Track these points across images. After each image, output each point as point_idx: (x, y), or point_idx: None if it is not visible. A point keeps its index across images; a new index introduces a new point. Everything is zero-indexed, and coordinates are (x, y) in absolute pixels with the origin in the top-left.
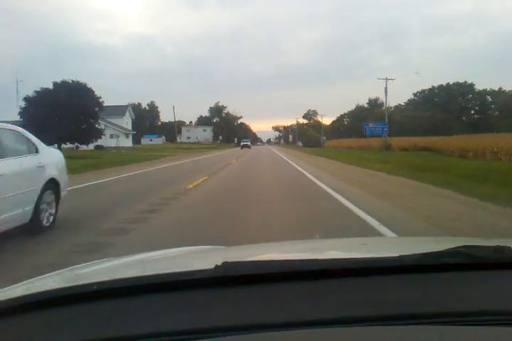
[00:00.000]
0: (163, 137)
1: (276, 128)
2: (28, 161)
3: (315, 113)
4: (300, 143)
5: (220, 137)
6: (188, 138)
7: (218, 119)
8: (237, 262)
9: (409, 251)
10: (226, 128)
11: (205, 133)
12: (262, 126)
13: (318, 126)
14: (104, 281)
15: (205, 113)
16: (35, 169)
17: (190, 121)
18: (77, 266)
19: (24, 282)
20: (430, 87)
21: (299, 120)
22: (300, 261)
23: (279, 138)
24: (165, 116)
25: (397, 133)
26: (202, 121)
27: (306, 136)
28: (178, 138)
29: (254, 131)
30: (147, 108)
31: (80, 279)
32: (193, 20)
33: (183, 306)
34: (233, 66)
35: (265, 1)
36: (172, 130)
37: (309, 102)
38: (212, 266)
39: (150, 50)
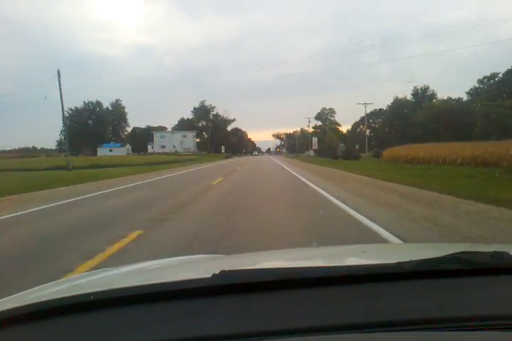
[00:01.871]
0: (128, 146)
1: (277, 136)
2: None
3: (332, 112)
4: (311, 153)
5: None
6: (163, 147)
7: (205, 123)
8: (235, 271)
9: (408, 257)
10: (215, 135)
11: (186, 141)
12: (261, 136)
13: (332, 128)
14: (102, 291)
15: (188, 114)
16: None
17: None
18: (75, 276)
19: (21, 293)
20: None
21: (299, 128)
22: (298, 268)
23: (280, 146)
24: (138, 121)
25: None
26: (184, 125)
27: (322, 142)
28: (149, 147)
29: (252, 140)
30: (110, 108)
31: (77, 289)
32: (192, 30)
33: (181, 315)
34: (232, 75)
35: (264, 11)
36: (143, 137)
37: (309, 110)
38: (210, 275)
39: (148, 59)
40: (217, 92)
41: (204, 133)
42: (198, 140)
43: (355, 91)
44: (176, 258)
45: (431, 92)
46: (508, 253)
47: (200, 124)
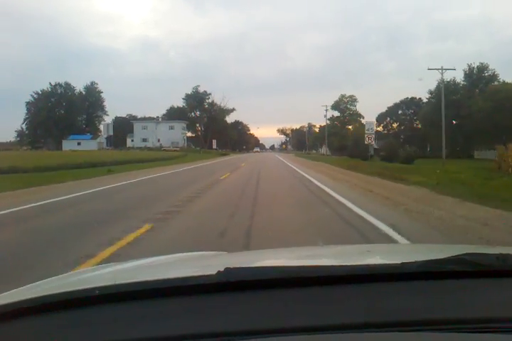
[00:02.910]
0: (101, 139)
1: (282, 132)
2: None
3: (353, 100)
4: (325, 150)
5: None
6: (145, 140)
7: (199, 113)
8: (239, 268)
9: (413, 258)
10: (210, 127)
11: (172, 133)
12: (264, 132)
13: (351, 120)
14: (107, 286)
15: (178, 102)
16: None
17: (157, 116)
18: (80, 270)
19: (26, 286)
20: None
21: (306, 123)
22: (303, 267)
23: (285, 143)
24: (119, 109)
25: None
26: (173, 115)
27: (341, 137)
28: (129, 140)
29: (256, 136)
30: (83, 92)
31: (82, 284)
32: (197, 25)
33: (185, 311)
34: (237, 70)
35: (270, 7)
36: (123, 128)
37: (313, 108)
38: (215, 272)
39: (153, 53)
40: (220, 87)
41: (198, 125)
42: (190, 133)
43: (362, 88)
44: (180, 255)
45: (490, 72)
46: None
47: (193, 114)
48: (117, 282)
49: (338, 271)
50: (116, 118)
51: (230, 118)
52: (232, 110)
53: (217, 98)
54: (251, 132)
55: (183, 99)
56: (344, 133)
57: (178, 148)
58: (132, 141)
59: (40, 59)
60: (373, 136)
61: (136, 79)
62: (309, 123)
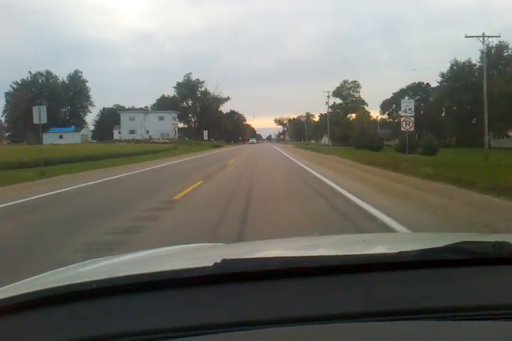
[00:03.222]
0: (85, 131)
1: (279, 122)
2: None
3: (356, 86)
4: (326, 140)
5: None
6: (132, 132)
7: (191, 102)
8: (237, 259)
9: (409, 247)
10: (204, 117)
11: (163, 124)
12: (261, 123)
13: (356, 107)
14: (104, 279)
15: (170, 91)
16: None
17: (146, 106)
18: (77, 264)
19: (24, 280)
20: None
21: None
22: (300, 257)
23: (283, 133)
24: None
25: None
26: (163, 105)
27: (343, 126)
28: (116, 132)
29: (252, 126)
30: (66, 82)
31: (79, 277)
32: (193, 15)
33: (183, 303)
34: (233, 61)
35: None
36: (112, 120)
37: (310, 98)
38: (212, 264)
39: (148, 45)
40: (217, 78)
41: (190, 115)
42: (182, 124)
43: (359, 78)
44: (177, 247)
45: (511, 52)
46: (509, 243)
47: (185, 104)
48: (114, 275)
49: (335, 261)
50: (103, 109)
51: (224, 108)
52: (227, 99)
53: (211, 87)
54: (247, 123)
55: (174, 87)
56: (346, 122)
57: (168, 140)
58: (119, 133)
59: (30, 49)
60: (412, 119)
61: (131, 71)
62: (307, 113)
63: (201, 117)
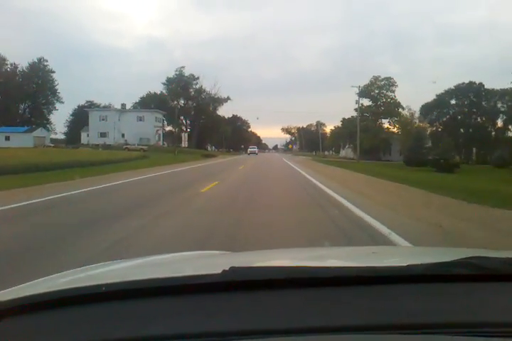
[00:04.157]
0: (41, 131)
1: (287, 131)
2: None
3: (390, 83)
4: (348, 153)
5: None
6: (103, 135)
7: (183, 102)
8: (245, 267)
9: (419, 260)
10: (198, 120)
11: (142, 127)
12: (267, 132)
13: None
14: (113, 283)
15: (157, 87)
16: None
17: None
18: (89, 266)
19: (34, 281)
20: None
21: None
22: (308, 268)
23: (292, 142)
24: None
25: None
26: (148, 103)
27: (373, 135)
28: (84, 135)
29: (258, 135)
30: (26, 70)
31: (90, 280)
32: (203, 25)
33: (190, 310)
34: (241, 70)
35: (276, 8)
36: (84, 120)
37: (318, 110)
38: (220, 271)
39: (159, 53)
40: (225, 86)
41: (182, 117)
42: (171, 127)
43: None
44: (186, 253)
45: None
46: None
47: (175, 103)
48: (123, 279)
49: (343, 272)
50: (78, 107)
51: (226, 112)
52: (226, 100)
53: (208, 85)
54: (252, 130)
55: (164, 83)
56: (377, 130)
57: (145, 147)
58: (87, 135)
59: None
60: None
61: (141, 78)
62: (318, 122)
63: (195, 120)
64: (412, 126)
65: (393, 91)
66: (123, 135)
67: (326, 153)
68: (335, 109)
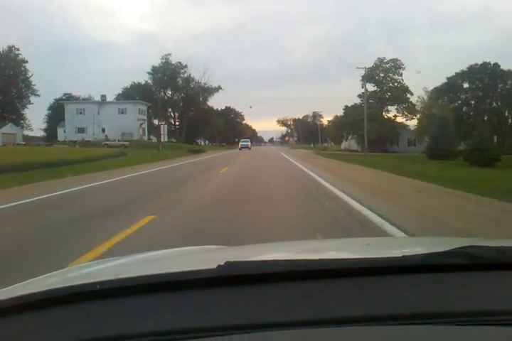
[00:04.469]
0: (11, 127)
1: (282, 123)
2: None
3: (397, 66)
4: (351, 144)
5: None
6: (81, 130)
7: (171, 92)
8: (240, 262)
9: (413, 251)
10: (187, 112)
11: (124, 120)
12: (263, 125)
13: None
14: (108, 280)
15: (141, 77)
16: None
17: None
18: (81, 264)
19: (27, 281)
20: None
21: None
22: (304, 260)
23: (288, 134)
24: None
25: None
26: (132, 95)
27: (380, 124)
28: (61, 131)
29: (254, 128)
30: None
31: (83, 278)
32: (194, 17)
33: (186, 305)
34: (234, 63)
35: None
36: (61, 113)
37: (313, 102)
38: (215, 266)
39: (150, 46)
40: (218, 80)
41: (170, 109)
42: (157, 121)
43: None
44: (181, 249)
45: None
46: None
47: (162, 94)
48: (118, 276)
49: (339, 264)
50: (55, 100)
51: (218, 104)
52: (217, 89)
53: (197, 73)
54: (247, 123)
55: (149, 73)
56: (384, 119)
57: (127, 143)
58: (64, 131)
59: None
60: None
61: (133, 71)
62: (314, 112)
63: (184, 112)
64: (429, 110)
65: (400, 75)
66: (103, 130)
67: (325, 144)
68: (330, 100)
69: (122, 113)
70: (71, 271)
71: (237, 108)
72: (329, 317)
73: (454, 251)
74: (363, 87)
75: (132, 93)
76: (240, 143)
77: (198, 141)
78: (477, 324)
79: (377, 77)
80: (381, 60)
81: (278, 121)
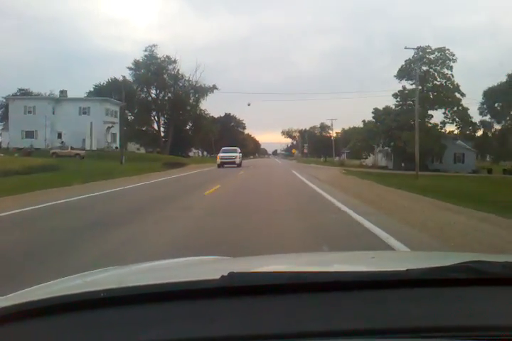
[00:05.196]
0: None
1: (287, 134)
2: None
3: (446, 57)
4: (377, 159)
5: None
6: (30, 134)
7: (155, 92)
8: (243, 273)
9: (418, 265)
10: (175, 116)
11: (87, 122)
12: (267, 137)
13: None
14: (112, 289)
15: (121, 72)
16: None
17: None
18: (86, 272)
19: (31, 288)
20: None
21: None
22: (307, 273)
23: (294, 146)
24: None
25: None
26: (105, 91)
27: (425, 132)
28: (5, 135)
29: (257, 140)
30: None
31: (88, 286)
32: (202, 28)
33: (190, 315)
34: (240, 75)
35: (275, 11)
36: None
37: (318, 115)
38: (219, 276)
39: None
40: (224, 91)
41: (154, 112)
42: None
43: (367, 95)
44: (184, 259)
45: None
46: None
47: (141, 93)
48: (122, 285)
49: (343, 277)
50: (5, 98)
51: (217, 110)
52: (212, 89)
53: (187, 67)
54: (249, 133)
55: (130, 68)
56: (427, 127)
57: (82, 152)
58: (8, 135)
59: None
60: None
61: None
62: (322, 123)
63: (171, 116)
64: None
65: (450, 68)
66: (59, 135)
67: (337, 159)
68: (337, 112)
69: (85, 113)
70: (75, 279)
71: (237, 114)
72: (332, 329)
73: (458, 265)
74: (400, 81)
75: (109, 92)
76: (220, 155)
77: (194, 151)
78: (481, 339)
79: (415, 72)
80: (424, 50)
81: (283, 132)
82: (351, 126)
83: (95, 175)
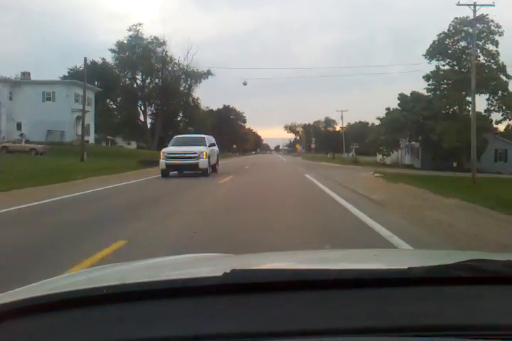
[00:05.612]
0: None
1: (290, 129)
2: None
3: (489, 31)
4: (400, 156)
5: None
6: None
7: (140, 78)
8: (246, 270)
9: (420, 263)
10: (165, 104)
11: (52, 110)
12: (268, 133)
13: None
14: (114, 285)
15: (103, 53)
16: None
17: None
18: (89, 269)
19: (33, 284)
20: None
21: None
22: (309, 270)
23: (297, 142)
24: None
25: None
26: (83, 76)
27: (467, 124)
28: None
29: (259, 135)
30: None
31: (90, 282)
32: (204, 23)
33: (191, 312)
34: (242, 69)
35: (278, 6)
36: None
37: (320, 110)
38: (221, 273)
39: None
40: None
41: (140, 102)
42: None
43: (369, 91)
44: (186, 256)
45: None
46: None
47: (131, 80)
48: (124, 282)
49: (345, 274)
50: None
51: (215, 102)
52: (207, 75)
53: (178, 50)
54: (252, 128)
55: (112, 51)
56: (465, 116)
57: (39, 146)
58: None
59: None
60: None
61: None
62: (327, 118)
63: (160, 105)
64: None
65: (496, 44)
66: (18, 125)
67: (345, 155)
68: (341, 107)
69: (49, 99)
70: (77, 275)
71: (242, 112)
72: (333, 327)
73: (460, 264)
74: (430, 61)
75: (88, 78)
76: (166, 150)
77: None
78: (482, 338)
79: (453, 48)
80: (461, 20)
81: (285, 127)
82: (357, 121)
83: (28, 177)
